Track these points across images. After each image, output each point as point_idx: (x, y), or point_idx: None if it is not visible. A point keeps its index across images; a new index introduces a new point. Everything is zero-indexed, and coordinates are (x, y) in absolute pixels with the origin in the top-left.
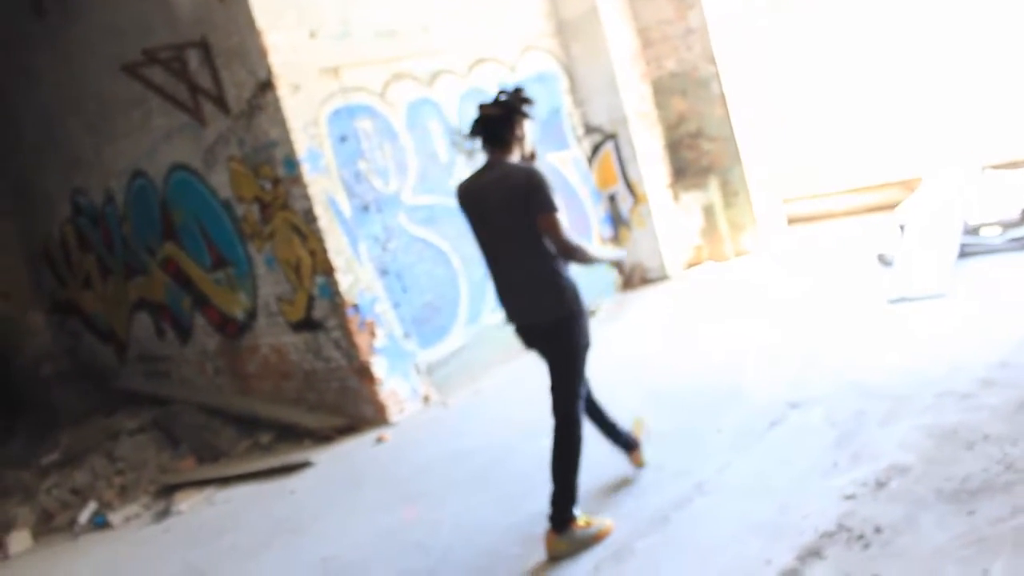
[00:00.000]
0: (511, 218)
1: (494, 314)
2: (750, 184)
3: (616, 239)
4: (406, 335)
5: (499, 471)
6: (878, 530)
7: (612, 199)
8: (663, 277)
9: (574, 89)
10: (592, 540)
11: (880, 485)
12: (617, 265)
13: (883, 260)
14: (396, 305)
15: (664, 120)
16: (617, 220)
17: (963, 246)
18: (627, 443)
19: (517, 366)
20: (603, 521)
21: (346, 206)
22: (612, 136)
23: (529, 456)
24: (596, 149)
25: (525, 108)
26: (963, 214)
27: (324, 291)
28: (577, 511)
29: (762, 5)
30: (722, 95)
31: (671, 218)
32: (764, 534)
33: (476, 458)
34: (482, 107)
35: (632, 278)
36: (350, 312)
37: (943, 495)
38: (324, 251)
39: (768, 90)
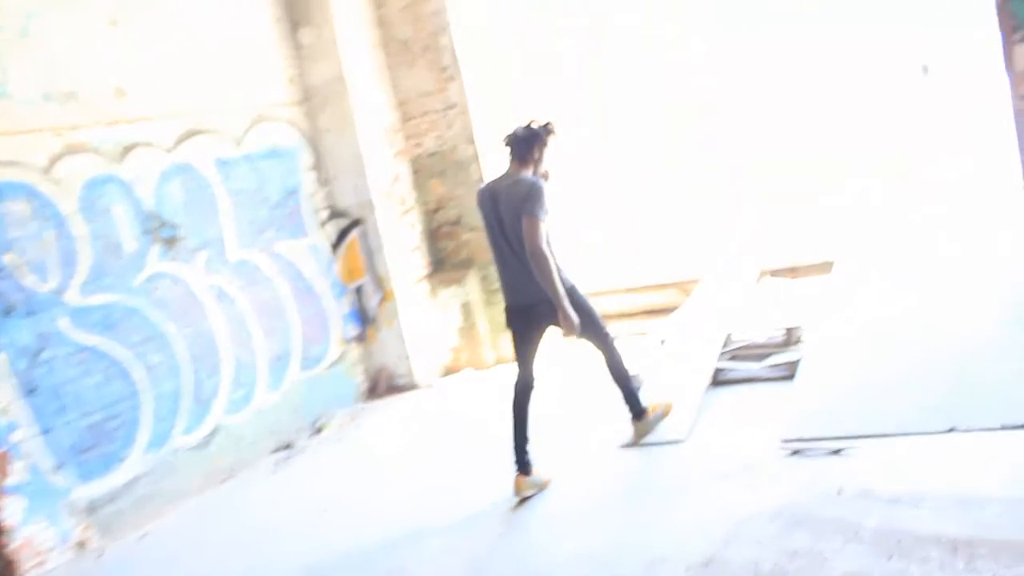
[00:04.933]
0: (514, 220)
1: (188, 435)
2: None
3: (363, 339)
4: (58, 467)
5: None
6: None
7: (359, 293)
8: (412, 386)
9: (319, 166)
10: (662, 418)
11: None
12: (565, 323)
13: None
14: (46, 431)
15: (423, 204)
16: (364, 317)
17: (722, 371)
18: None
19: (213, 496)
20: (666, 401)
21: None
22: (359, 221)
23: None
24: (342, 236)
25: (548, 139)
26: (727, 332)
27: None
28: (645, 403)
29: (524, 77)
30: (482, 180)
31: (424, 317)
32: None
33: None
34: (515, 129)
35: (379, 385)
36: None
37: None
38: None
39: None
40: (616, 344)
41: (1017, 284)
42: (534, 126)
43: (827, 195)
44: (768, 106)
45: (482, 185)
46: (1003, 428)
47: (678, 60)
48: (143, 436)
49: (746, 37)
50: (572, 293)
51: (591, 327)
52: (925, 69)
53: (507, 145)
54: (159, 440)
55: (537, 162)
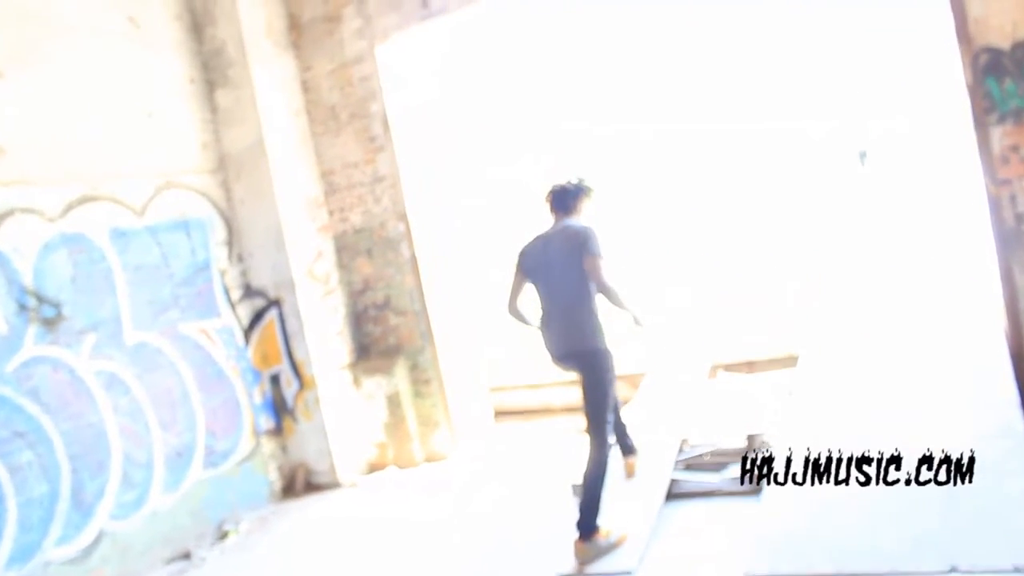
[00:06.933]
0: (568, 262)
1: (63, 545)
2: (443, 371)
3: (278, 432)
4: None
5: None
6: None
7: (275, 381)
8: (333, 484)
9: (233, 241)
10: (612, 547)
11: None
12: (637, 324)
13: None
14: None
15: (347, 285)
16: (281, 408)
17: (675, 483)
18: (627, 448)
19: None
20: (620, 530)
21: None
22: (277, 302)
23: None
24: (258, 317)
25: (590, 192)
26: (681, 436)
27: None
28: (600, 522)
29: (459, 153)
30: (413, 259)
31: (347, 409)
32: None
33: None
34: (561, 184)
35: (295, 483)
36: None
37: None
38: None
39: (471, 259)
40: (609, 448)
41: (992, 390)
42: (576, 182)
43: (784, 284)
44: (714, 191)
45: (527, 243)
46: (1016, 571)
47: (616, 143)
48: (4, 550)
49: (679, 124)
50: (607, 357)
51: (597, 410)
52: (863, 156)
53: (551, 199)
54: (25, 554)
55: (580, 213)
